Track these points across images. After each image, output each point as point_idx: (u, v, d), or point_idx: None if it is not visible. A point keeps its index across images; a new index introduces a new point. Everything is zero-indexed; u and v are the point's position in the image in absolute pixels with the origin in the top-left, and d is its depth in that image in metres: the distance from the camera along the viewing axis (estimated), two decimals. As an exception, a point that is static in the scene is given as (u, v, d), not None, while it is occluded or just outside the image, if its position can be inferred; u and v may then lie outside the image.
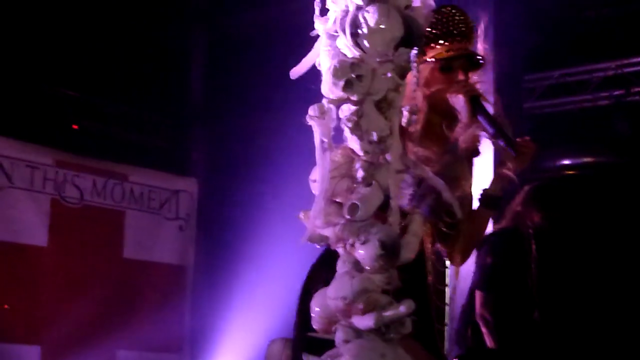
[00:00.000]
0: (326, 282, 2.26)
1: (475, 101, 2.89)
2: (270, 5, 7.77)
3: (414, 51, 2.32)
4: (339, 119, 2.29)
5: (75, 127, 7.69)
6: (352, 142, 2.28)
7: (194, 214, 8.36)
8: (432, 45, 2.93)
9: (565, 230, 4.97)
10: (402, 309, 2.14)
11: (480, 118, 2.89)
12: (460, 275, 3.63)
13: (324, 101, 2.30)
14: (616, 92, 6.99)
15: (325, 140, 2.28)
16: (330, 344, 2.21)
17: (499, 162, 2.99)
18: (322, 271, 2.76)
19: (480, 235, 3.14)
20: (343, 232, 2.24)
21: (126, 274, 7.77)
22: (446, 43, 2.93)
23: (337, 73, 2.26)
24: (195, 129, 8.65)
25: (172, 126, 8.45)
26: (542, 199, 4.98)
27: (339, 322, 2.21)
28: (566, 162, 7.12)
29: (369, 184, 2.26)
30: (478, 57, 3.01)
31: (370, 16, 2.27)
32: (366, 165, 2.27)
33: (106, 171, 7.72)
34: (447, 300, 3.00)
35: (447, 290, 3.00)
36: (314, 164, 2.31)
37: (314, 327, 2.29)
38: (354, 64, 2.27)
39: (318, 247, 2.35)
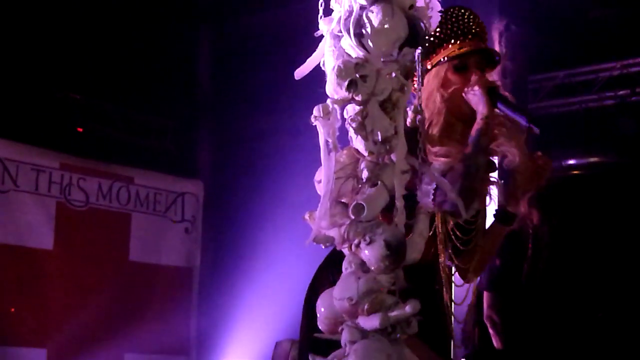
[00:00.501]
0: (332, 283, 2.26)
1: (493, 92, 2.86)
2: (276, 8, 7.78)
3: (419, 51, 2.31)
4: (343, 119, 2.29)
5: (80, 130, 7.69)
6: (357, 143, 2.27)
7: (200, 216, 8.35)
8: (445, 45, 2.93)
9: (569, 231, 4.97)
10: (408, 309, 2.13)
11: (500, 105, 2.85)
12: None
13: (329, 101, 2.30)
14: (621, 92, 7.00)
15: (330, 140, 2.27)
16: (336, 345, 2.21)
17: (513, 182, 2.95)
18: (328, 272, 2.77)
19: (493, 251, 3.12)
20: (348, 232, 2.23)
21: (132, 276, 7.76)
22: (459, 42, 2.92)
23: (341, 73, 2.25)
24: (200, 131, 8.66)
25: (177, 129, 8.45)
26: (544, 200, 4.98)
27: (345, 322, 2.20)
28: (572, 162, 7.11)
29: (374, 185, 2.25)
30: (493, 53, 3.01)
31: (375, 16, 2.27)
32: (371, 165, 2.26)
33: (112, 174, 7.72)
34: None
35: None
36: (319, 164, 2.31)
37: (320, 327, 2.28)
38: (358, 64, 2.27)
39: (324, 248, 2.35)
